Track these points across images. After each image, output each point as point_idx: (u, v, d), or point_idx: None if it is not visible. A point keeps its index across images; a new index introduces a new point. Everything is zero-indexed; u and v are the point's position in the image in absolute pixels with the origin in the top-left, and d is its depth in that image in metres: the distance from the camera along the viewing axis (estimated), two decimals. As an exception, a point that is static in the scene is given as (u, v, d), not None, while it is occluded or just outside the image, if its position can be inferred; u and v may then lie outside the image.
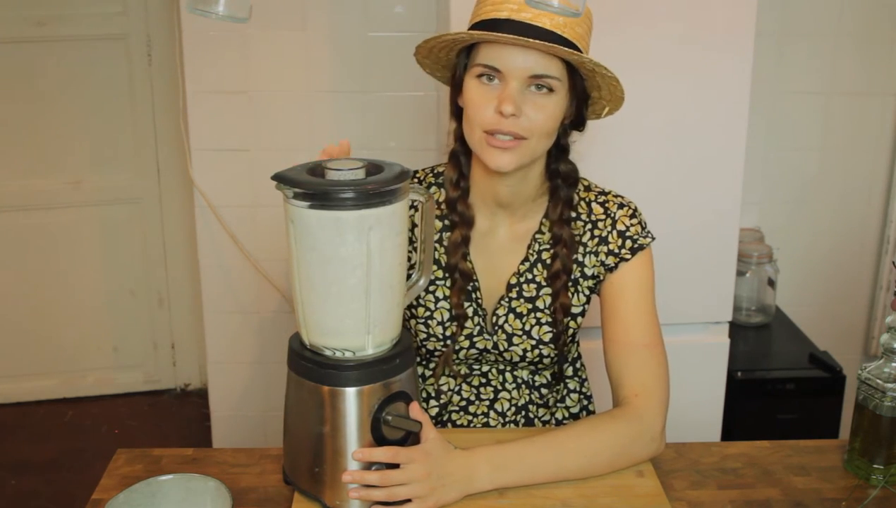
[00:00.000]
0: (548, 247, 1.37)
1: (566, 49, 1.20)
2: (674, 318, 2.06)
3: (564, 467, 1.21)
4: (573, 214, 1.38)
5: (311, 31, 2.33)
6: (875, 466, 1.23)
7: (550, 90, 1.24)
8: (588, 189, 1.41)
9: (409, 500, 1.14)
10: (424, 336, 1.39)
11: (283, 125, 2.38)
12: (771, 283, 2.47)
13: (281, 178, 1.09)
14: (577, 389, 1.49)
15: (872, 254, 2.67)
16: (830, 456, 1.30)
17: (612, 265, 1.36)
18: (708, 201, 1.99)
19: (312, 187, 1.07)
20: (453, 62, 1.33)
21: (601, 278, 1.38)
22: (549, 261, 1.37)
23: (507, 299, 1.38)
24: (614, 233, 1.36)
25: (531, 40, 1.18)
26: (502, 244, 1.39)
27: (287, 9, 2.30)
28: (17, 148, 2.85)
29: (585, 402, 1.50)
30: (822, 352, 2.28)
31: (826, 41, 2.47)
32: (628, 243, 1.36)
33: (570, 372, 1.48)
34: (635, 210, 1.39)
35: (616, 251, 1.36)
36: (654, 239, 1.38)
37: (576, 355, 1.50)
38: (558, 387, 1.46)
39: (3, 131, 2.83)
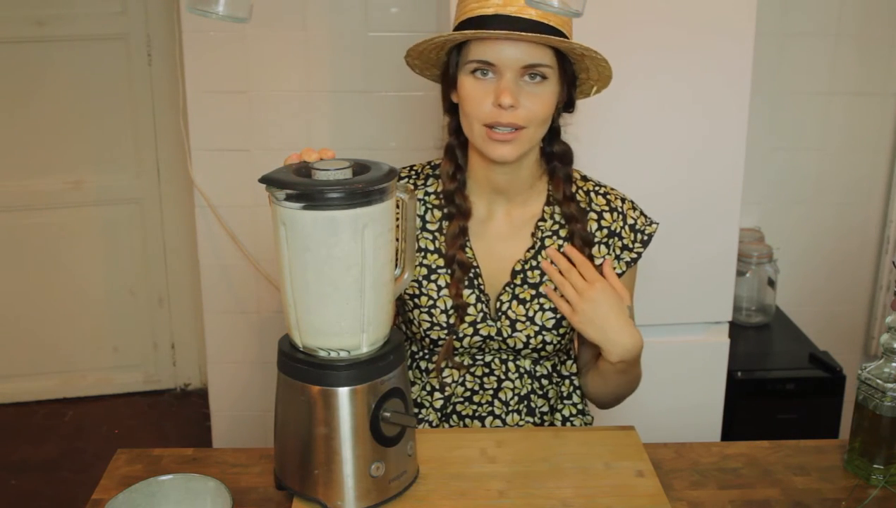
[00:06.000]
0: (550, 234, 1.41)
1: (556, 38, 1.25)
2: (674, 318, 2.06)
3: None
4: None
5: (311, 31, 2.33)
6: (875, 466, 1.23)
7: (543, 78, 1.29)
8: (585, 179, 1.46)
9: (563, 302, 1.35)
10: (428, 325, 1.40)
11: (283, 125, 2.38)
12: (771, 283, 2.47)
13: (272, 181, 1.08)
14: (571, 379, 1.50)
15: (872, 254, 2.67)
16: (830, 456, 1.30)
17: (630, 260, 1.43)
18: (708, 201, 1.99)
19: (307, 188, 1.06)
20: (444, 60, 1.36)
21: (616, 272, 1.42)
22: (558, 248, 1.41)
23: (511, 286, 1.40)
24: (626, 228, 1.42)
25: (523, 33, 1.23)
26: (501, 231, 1.42)
27: (287, 9, 2.30)
28: (17, 148, 2.85)
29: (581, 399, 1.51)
30: (822, 352, 2.28)
31: (826, 41, 2.47)
32: (639, 236, 1.43)
33: (573, 369, 1.49)
34: (632, 201, 1.45)
35: (630, 246, 1.42)
36: (658, 223, 1.45)
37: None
38: (559, 380, 1.47)
39: (3, 131, 2.83)
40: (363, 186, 1.06)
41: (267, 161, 2.39)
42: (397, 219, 1.26)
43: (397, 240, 1.34)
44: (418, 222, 1.41)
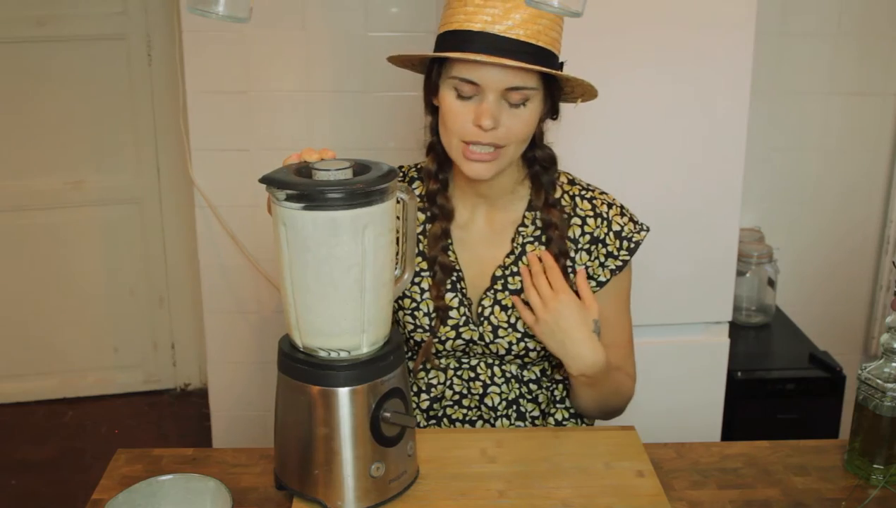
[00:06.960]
0: (531, 240, 1.39)
1: (545, 69, 1.23)
2: (674, 318, 2.06)
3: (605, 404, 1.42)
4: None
5: (311, 31, 2.33)
6: (875, 466, 1.23)
7: (527, 99, 1.26)
8: (572, 183, 1.43)
9: (530, 310, 1.33)
10: (412, 327, 1.40)
11: (283, 125, 2.38)
12: (771, 283, 2.47)
13: (272, 181, 1.08)
14: (565, 383, 1.49)
15: (872, 254, 2.67)
16: (830, 456, 1.30)
17: (615, 268, 1.39)
18: (708, 201, 1.99)
19: (308, 188, 1.06)
20: (427, 61, 1.34)
21: (600, 279, 1.39)
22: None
23: (492, 291, 1.39)
24: (611, 234, 1.39)
25: (508, 61, 1.20)
26: (483, 234, 1.41)
27: (287, 9, 2.30)
28: (17, 148, 2.85)
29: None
30: (822, 352, 2.28)
31: (826, 41, 2.47)
32: (625, 244, 1.39)
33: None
34: (621, 207, 1.42)
35: (615, 253, 1.39)
36: (648, 229, 1.41)
37: None
38: (550, 385, 1.46)
39: (3, 131, 2.83)
40: (363, 186, 1.06)
41: (267, 161, 2.38)
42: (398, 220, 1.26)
43: (397, 240, 1.35)
44: None
